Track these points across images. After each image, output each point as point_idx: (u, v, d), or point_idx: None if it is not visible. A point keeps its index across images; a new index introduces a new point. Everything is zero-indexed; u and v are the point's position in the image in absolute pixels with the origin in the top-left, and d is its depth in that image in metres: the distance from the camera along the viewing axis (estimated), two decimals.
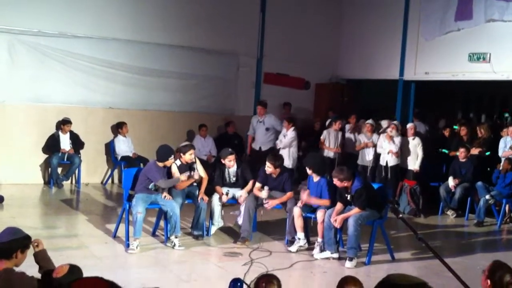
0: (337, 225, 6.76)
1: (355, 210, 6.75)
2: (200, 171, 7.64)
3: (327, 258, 6.83)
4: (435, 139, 11.64)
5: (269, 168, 7.40)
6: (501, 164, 9.61)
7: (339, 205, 6.92)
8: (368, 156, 10.65)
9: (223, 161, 7.79)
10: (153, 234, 7.50)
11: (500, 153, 9.88)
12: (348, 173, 6.80)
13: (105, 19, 11.09)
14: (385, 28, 12.93)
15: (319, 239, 7.00)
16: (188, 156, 7.47)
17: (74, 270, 3.64)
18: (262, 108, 11.20)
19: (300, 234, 7.15)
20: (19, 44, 10.31)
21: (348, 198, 6.87)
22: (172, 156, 7.29)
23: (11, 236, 3.55)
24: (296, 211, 7.14)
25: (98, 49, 11.04)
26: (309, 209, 7.22)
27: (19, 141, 10.45)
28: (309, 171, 7.28)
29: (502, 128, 11.21)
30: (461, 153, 9.94)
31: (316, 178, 7.24)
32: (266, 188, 7.44)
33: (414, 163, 10.25)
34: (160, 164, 7.18)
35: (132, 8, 11.37)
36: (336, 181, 6.80)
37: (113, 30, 11.15)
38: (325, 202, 7.10)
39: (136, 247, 6.72)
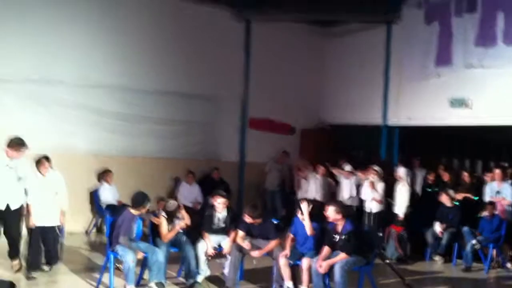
0: (322, 270, 6.69)
1: (341, 256, 6.70)
2: (185, 219, 7.56)
3: None
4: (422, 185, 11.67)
5: (247, 219, 7.33)
6: (485, 209, 9.54)
7: (326, 250, 6.87)
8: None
9: (213, 202, 7.73)
10: (137, 284, 7.34)
11: (486, 199, 9.84)
12: (345, 210, 6.96)
13: (90, 65, 11.15)
14: (367, 73, 12.99)
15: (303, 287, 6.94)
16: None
17: None
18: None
19: (289, 283, 7.06)
20: (1, 90, 10.24)
21: (337, 239, 6.82)
22: (148, 204, 7.20)
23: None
24: (282, 260, 7.06)
25: (83, 95, 11.04)
26: (296, 257, 7.14)
27: None
28: (301, 217, 7.23)
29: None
30: (441, 197, 9.93)
31: None
32: (247, 242, 7.36)
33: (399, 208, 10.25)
34: (135, 212, 7.09)
35: (117, 55, 11.45)
36: (331, 211, 6.79)
37: (98, 77, 11.19)
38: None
39: None
